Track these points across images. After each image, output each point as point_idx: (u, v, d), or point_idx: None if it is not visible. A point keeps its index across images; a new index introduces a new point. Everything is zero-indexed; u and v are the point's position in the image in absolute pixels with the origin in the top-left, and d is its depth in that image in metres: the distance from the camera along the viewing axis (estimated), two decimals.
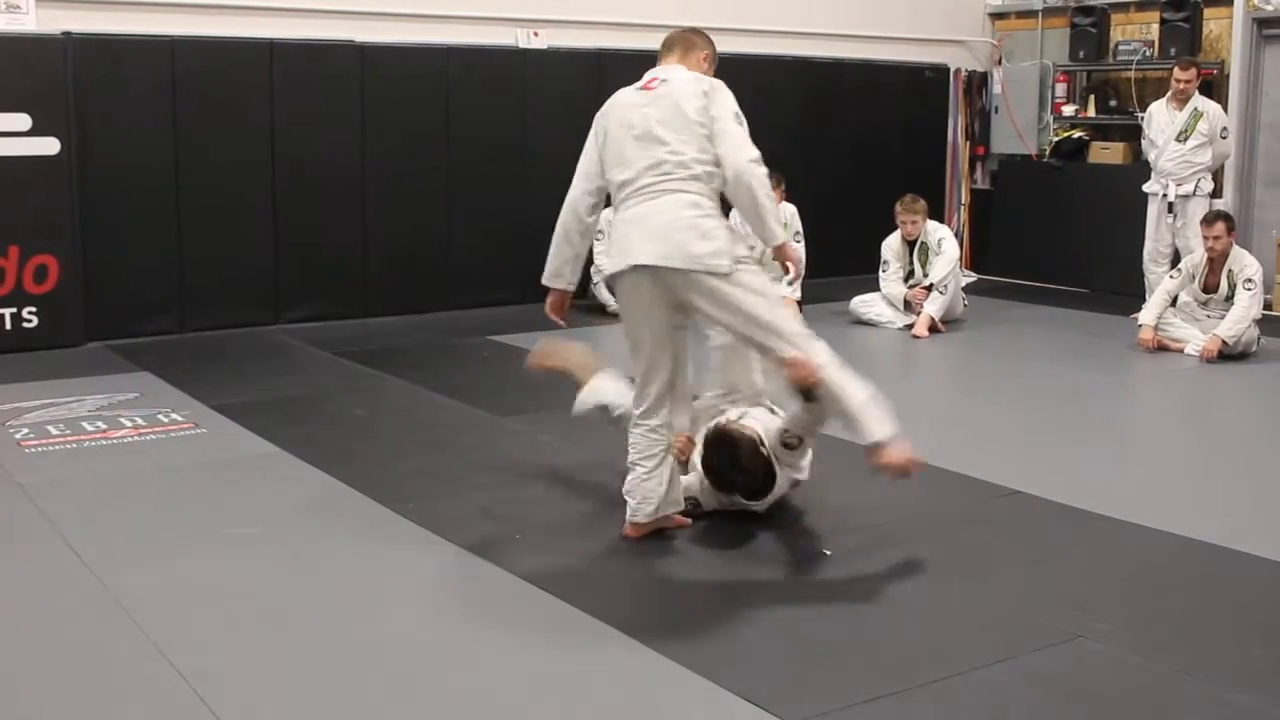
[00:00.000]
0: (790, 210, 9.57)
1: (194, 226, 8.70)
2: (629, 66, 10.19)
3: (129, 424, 6.26)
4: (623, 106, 4.96)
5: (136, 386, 7.06)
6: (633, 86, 5.03)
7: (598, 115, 5.04)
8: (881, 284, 9.19)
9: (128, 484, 5.40)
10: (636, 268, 4.60)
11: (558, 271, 5.16)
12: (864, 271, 9.76)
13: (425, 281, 9.65)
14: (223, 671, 3.62)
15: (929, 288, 9.01)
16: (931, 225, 9.31)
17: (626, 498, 4.69)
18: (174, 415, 6.43)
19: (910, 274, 9.19)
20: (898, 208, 8.93)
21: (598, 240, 7.77)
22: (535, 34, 9.95)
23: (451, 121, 9.63)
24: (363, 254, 9.36)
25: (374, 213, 9.38)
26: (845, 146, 11.35)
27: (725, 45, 10.69)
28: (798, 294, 9.48)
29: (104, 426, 6.21)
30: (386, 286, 9.47)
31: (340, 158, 9.22)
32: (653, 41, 10.97)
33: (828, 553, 4.57)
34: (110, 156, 8.37)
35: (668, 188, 4.64)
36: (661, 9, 10.50)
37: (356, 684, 3.56)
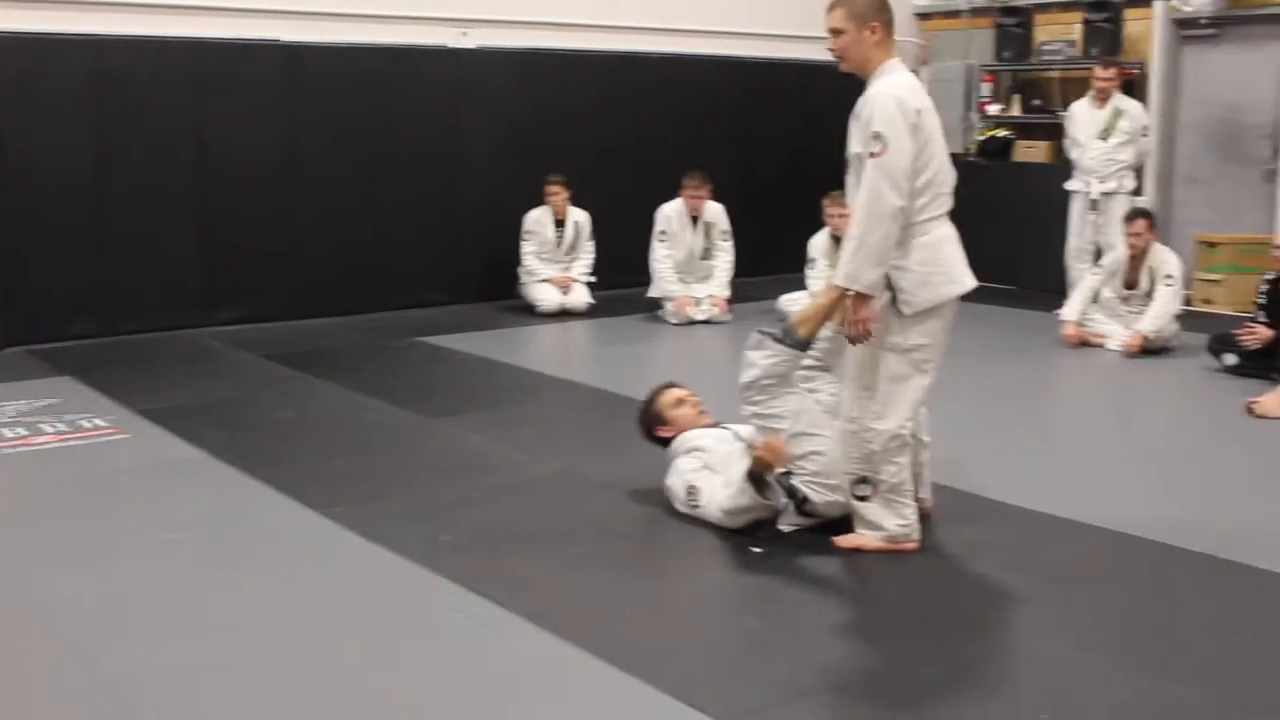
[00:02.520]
0: (718, 210, 9.63)
1: (117, 227, 8.59)
2: (558, 66, 10.29)
3: (50, 430, 6.16)
4: (930, 104, 4.53)
5: (58, 392, 6.95)
6: (910, 75, 4.60)
7: (909, 106, 4.38)
8: (808, 282, 9.23)
9: (50, 490, 5.32)
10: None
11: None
12: (793, 270, 9.82)
13: (355, 283, 9.59)
14: (146, 677, 3.58)
15: None
16: None
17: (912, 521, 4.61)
18: (97, 421, 6.34)
19: None
20: (825, 203, 8.98)
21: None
22: (464, 34, 9.91)
23: (381, 121, 9.58)
24: (292, 255, 9.28)
25: (303, 214, 9.31)
26: (775, 146, 11.40)
27: (656, 45, 10.84)
28: (727, 293, 9.55)
29: (24, 433, 6.11)
30: (316, 288, 9.40)
31: (268, 158, 9.14)
32: (583, 41, 11.02)
33: (757, 550, 4.59)
34: (30, 157, 8.23)
35: None
36: (591, 9, 10.51)
37: (283, 689, 3.54)
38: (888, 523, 4.54)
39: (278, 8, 9.15)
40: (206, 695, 3.50)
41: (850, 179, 4.54)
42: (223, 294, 9.02)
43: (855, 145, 4.48)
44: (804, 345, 4.59)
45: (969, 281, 4.55)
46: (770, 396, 4.60)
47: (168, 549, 4.62)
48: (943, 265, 4.46)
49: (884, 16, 4.51)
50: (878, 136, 4.32)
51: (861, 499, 4.54)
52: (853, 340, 4.43)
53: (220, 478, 5.50)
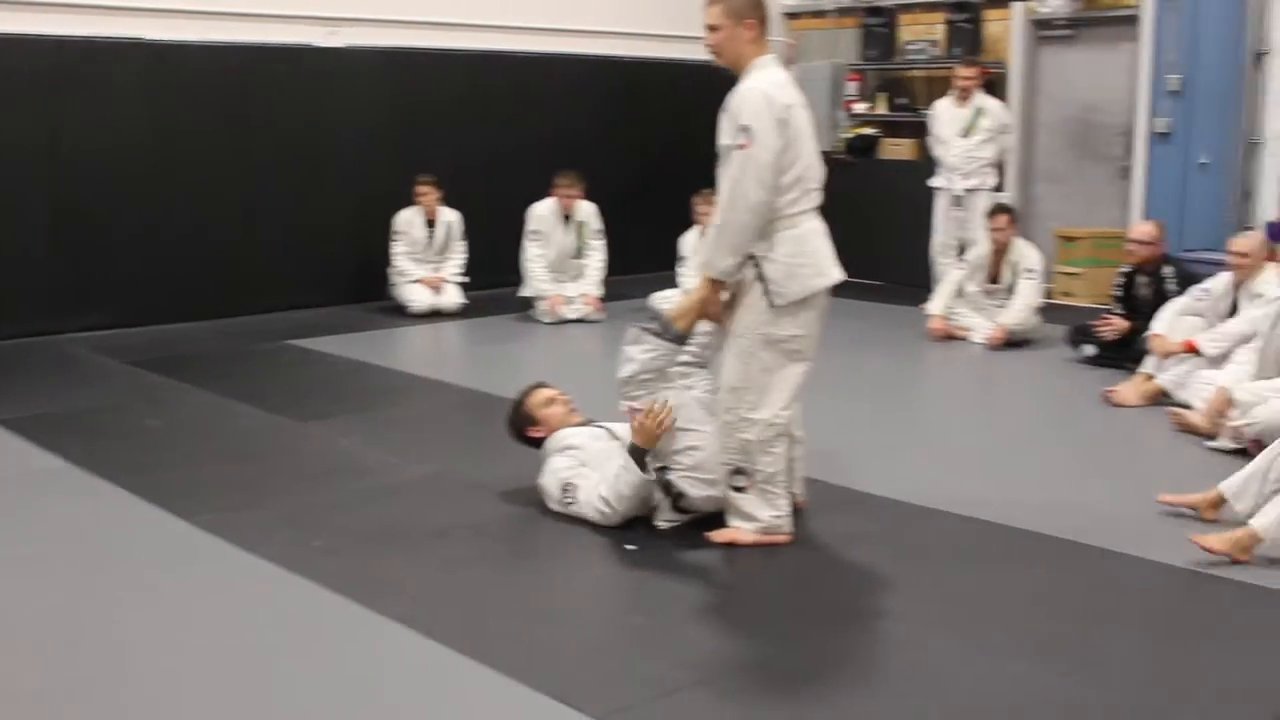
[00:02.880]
0: (590, 209, 9.64)
1: None
2: (426, 64, 10.22)
3: None
4: (800, 100, 4.59)
5: None
6: (782, 72, 4.64)
7: (777, 101, 4.45)
8: (680, 279, 9.30)
9: None
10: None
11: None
12: (664, 268, 9.88)
13: (222, 286, 9.41)
14: (5, 696, 3.49)
15: None
16: None
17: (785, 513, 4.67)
18: None
19: None
20: (695, 201, 9.04)
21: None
22: (332, 32, 9.80)
23: (248, 121, 9.42)
24: (156, 258, 9.08)
25: (167, 216, 9.10)
26: (644, 145, 11.44)
27: (526, 45, 10.81)
28: (599, 291, 9.58)
29: None
30: (182, 292, 9.20)
31: (132, 159, 8.92)
32: (452, 40, 10.93)
33: (632, 548, 4.62)
34: None
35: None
36: (460, 8, 10.46)
37: (150, 702, 3.48)
38: (762, 513, 4.60)
39: (141, 5, 8.95)
40: (67, 713, 3.43)
41: (721, 172, 4.60)
42: (85, 298, 8.80)
43: (724, 138, 4.54)
44: (681, 339, 4.65)
45: (836, 274, 4.64)
46: (648, 391, 4.64)
47: (27, 562, 4.51)
48: (810, 257, 4.54)
49: (760, 14, 4.59)
50: (745, 129, 4.40)
51: (738, 490, 4.60)
52: (709, 319, 4.58)
53: (84, 487, 5.37)
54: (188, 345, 8.48)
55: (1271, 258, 6.92)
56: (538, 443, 5.11)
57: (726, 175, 4.46)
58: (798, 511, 4.81)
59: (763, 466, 4.57)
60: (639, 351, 4.64)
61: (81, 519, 5.01)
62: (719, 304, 4.62)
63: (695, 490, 4.69)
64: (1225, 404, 5.95)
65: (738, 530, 4.63)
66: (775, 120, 4.40)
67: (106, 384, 7.38)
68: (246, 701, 3.49)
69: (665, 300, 9.19)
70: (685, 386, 4.78)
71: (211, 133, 9.25)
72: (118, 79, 8.83)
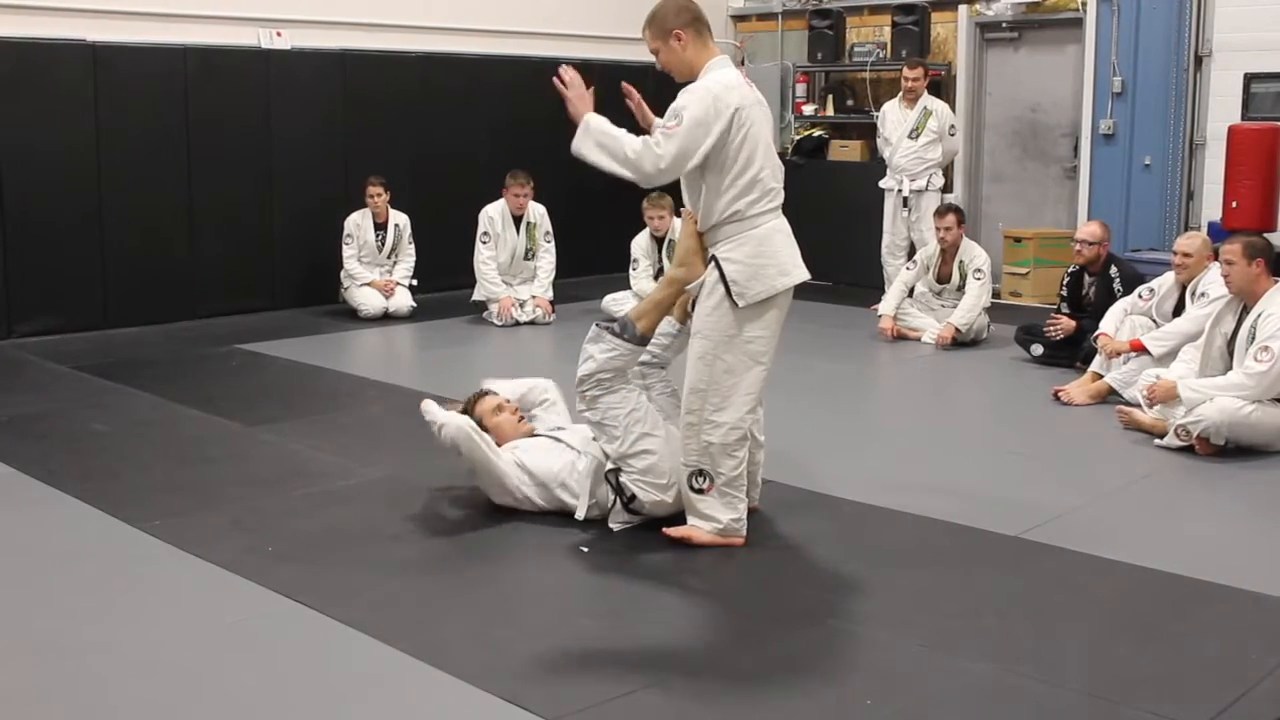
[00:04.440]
0: (540, 211, 9.62)
1: None
2: (373, 67, 10.17)
3: None
4: (753, 102, 4.57)
5: None
6: (735, 73, 4.64)
7: (722, 100, 4.46)
8: (632, 281, 9.30)
9: None
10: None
11: None
12: (615, 270, 9.88)
13: (169, 289, 9.33)
14: None
15: None
16: (679, 222, 9.47)
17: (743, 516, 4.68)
18: None
19: (660, 271, 9.34)
20: (645, 204, 9.06)
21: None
22: (278, 34, 9.73)
23: (192, 123, 9.34)
24: (101, 262, 8.99)
25: (112, 219, 9.01)
26: None
27: (471, 46, 10.79)
28: (550, 294, 9.56)
29: None
30: (127, 296, 9.11)
31: (73, 161, 8.83)
32: (397, 42, 10.89)
33: (585, 550, 4.62)
34: None
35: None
36: (405, 10, 10.42)
37: (99, 710, 3.44)
38: (722, 516, 4.61)
39: (82, 6, 8.85)
40: None
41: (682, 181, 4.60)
42: (27, 303, 8.68)
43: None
44: (642, 340, 4.65)
45: (800, 273, 4.65)
46: (605, 391, 4.64)
47: None
48: (773, 257, 4.54)
49: (684, 20, 4.60)
50: (676, 114, 4.44)
51: (698, 491, 4.60)
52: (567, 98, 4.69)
53: (29, 494, 5.31)
54: (135, 350, 8.39)
55: (1214, 257, 7.01)
56: None
57: (642, 138, 4.49)
58: (752, 513, 4.82)
59: (725, 470, 4.58)
60: (598, 350, 4.63)
61: (29, 526, 4.95)
62: (684, 303, 4.65)
63: (646, 494, 4.69)
64: (1170, 394, 6.02)
65: (694, 529, 4.64)
66: (711, 118, 4.41)
67: (53, 389, 7.29)
68: (199, 707, 3.45)
69: (616, 303, 9.22)
70: (643, 387, 4.79)
71: (157, 135, 9.17)
72: (60, 81, 8.72)
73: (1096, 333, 7.13)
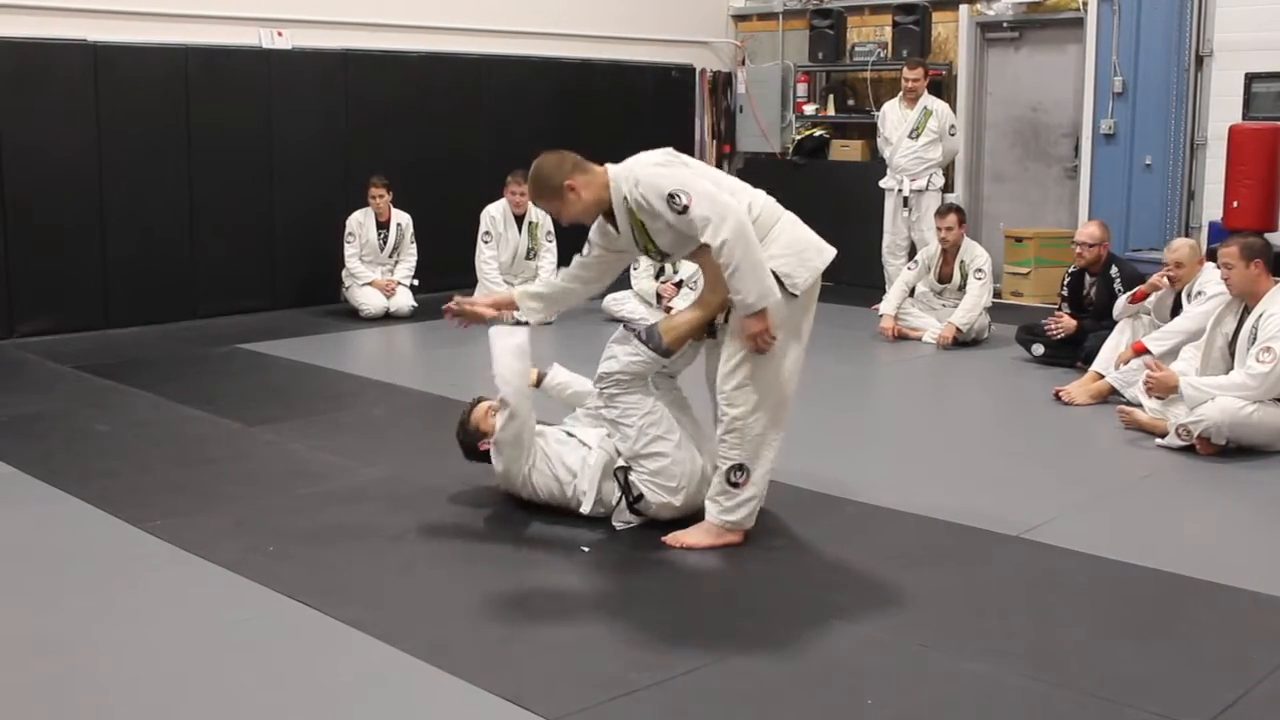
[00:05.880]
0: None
1: None
2: (375, 66, 10.17)
3: None
4: (676, 157, 4.68)
5: None
6: (632, 159, 4.73)
7: (662, 163, 4.57)
8: (633, 281, 9.31)
9: None
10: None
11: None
12: None
13: (170, 289, 9.34)
14: None
15: (679, 284, 9.17)
16: None
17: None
18: None
19: (661, 270, 9.35)
20: None
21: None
22: (279, 34, 9.74)
23: (193, 123, 9.34)
24: (102, 262, 9.00)
25: (113, 219, 9.02)
26: (594, 147, 11.30)
27: (472, 46, 10.79)
28: None
29: None
30: (129, 295, 9.12)
31: (75, 161, 8.83)
32: (398, 42, 10.92)
33: (585, 549, 4.62)
34: None
35: None
36: (406, 10, 10.42)
37: (102, 710, 3.44)
38: (740, 514, 4.63)
39: (84, 6, 8.85)
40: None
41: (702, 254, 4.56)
42: (29, 303, 8.69)
43: (664, 239, 4.53)
44: (665, 353, 4.66)
45: (829, 249, 4.68)
46: (623, 391, 4.66)
47: None
48: (805, 240, 4.61)
49: (566, 169, 4.60)
50: (671, 197, 4.37)
51: (734, 485, 4.61)
52: (761, 351, 4.49)
53: (30, 494, 5.31)
54: (136, 350, 8.40)
55: (1206, 259, 7.02)
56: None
57: (697, 227, 4.35)
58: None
59: (765, 462, 4.64)
60: (623, 352, 4.65)
61: (30, 525, 4.95)
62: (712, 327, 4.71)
63: (655, 496, 4.70)
64: (1169, 387, 6.02)
65: (692, 535, 4.64)
66: (680, 168, 4.50)
67: (54, 389, 7.30)
68: (199, 707, 3.45)
69: (617, 303, 9.22)
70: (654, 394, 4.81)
71: (158, 135, 9.17)
72: (62, 81, 8.73)
73: (1132, 343, 6.99)
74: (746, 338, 4.46)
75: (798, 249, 4.55)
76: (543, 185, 4.64)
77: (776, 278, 4.46)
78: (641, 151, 4.68)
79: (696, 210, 4.33)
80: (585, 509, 4.79)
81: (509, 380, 4.83)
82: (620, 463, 4.73)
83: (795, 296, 4.53)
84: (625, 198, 4.51)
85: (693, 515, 4.72)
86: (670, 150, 4.66)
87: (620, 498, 4.75)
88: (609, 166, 4.64)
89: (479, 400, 5.25)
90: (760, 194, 4.64)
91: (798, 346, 4.65)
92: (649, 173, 4.49)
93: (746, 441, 4.58)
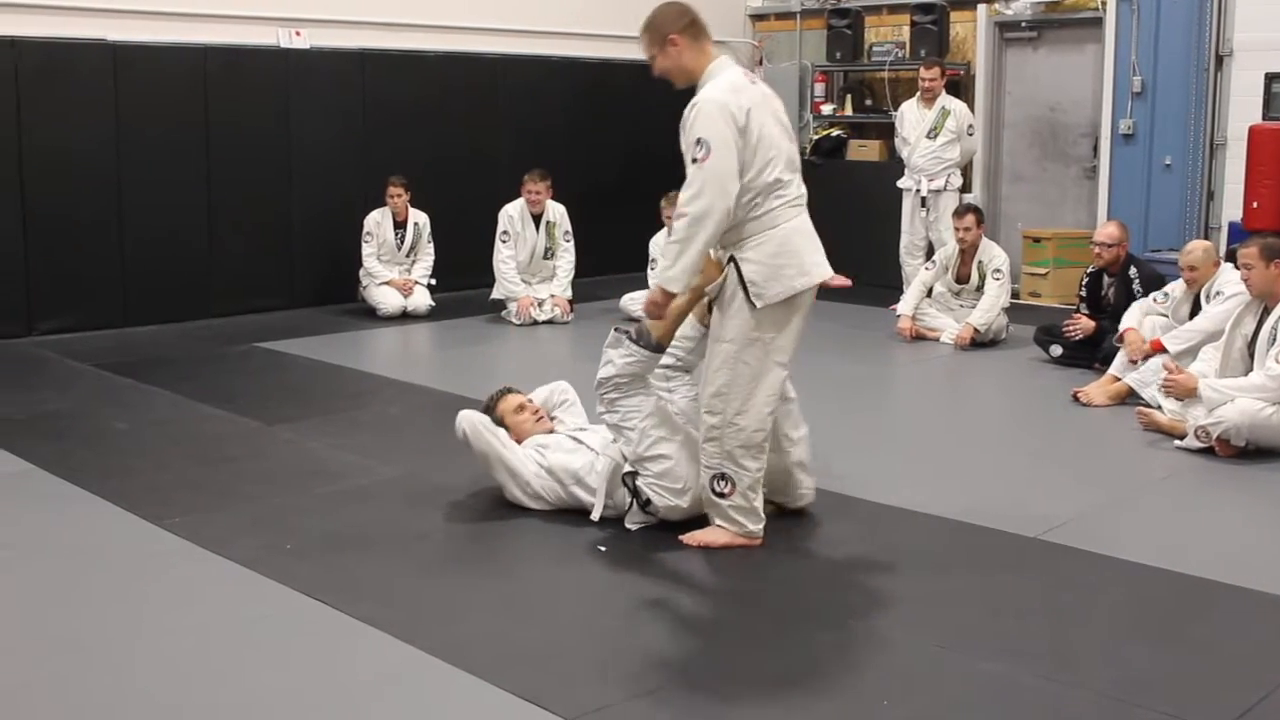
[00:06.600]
0: (560, 210, 9.64)
1: None
2: (393, 66, 10.19)
3: None
4: (761, 99, 4.51)
5: None
6: (738, 72, 4.57)
7: (731, 107, 4.38)
8: (650, 281, 9.26)
9: None
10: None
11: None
12: (634, 269, 9.89)
13: (188, 288, 9.37)
14: None
15: None
16: None
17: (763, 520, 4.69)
18: None
19: None
20: (662, 204, 9.06)
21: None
22: (297, 33, 9.76)
23: (212, 122, 9.37)
24: (121, 260, 9.03)
25: (132, 218, 9.05)
26: (614, 146, 11.44)
27: (490, 46, 10.80)
28: (568, 293, 9.57)
29: None
30: (147, 294, 9.15)
31: (95, 160, 8.87)
32: (416, 41, 10.92)
33: (603, 549, 4.62)
34: None
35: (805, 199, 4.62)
36: (424, 9, 10.43)
37: (123, 705, 3.46)
38: (742, 519, 4.61)
39: (103, 6, 8.88)
40: (42, 716, 3.40)
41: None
42: (50, 301, 8.73)
43: (686, 151, 4.49)
44: (658, 348, 4.65)
45: (820, 273, 4.57)
46: (623, 394, 4.65)
47: None
48: (793, 257, 4.48)
49: (680, 25, 4.55)
50: (699, 142, 4.34)
51: (720, 495, 4.60)
52: (649, 315, 4.52)
53: (50, 491, 5.33)
54: (155, 348, 8.43)
55: (1221, 261, 7.00)
56: None
57: (687, 187, 4.35)
58: (798, 514, 4.88)
59: (749, 473, 4.58)
60: (617, 355, 4.63)
61: (49, 523, 4.97)
62: (703, 307, 4.65)
63: (661, 499, 4.70)
64: (1188, 390, 6.01)
65: (711, 533, 4.64)
66: (734, 129, 4.35)
67: (74, 387, 7.33)
68: (217, 704, 3.47)
69: (634, 302, 9.22)
70: (666, 390, 4.80)
71: (177, 134, 9.20)
72: (81, 81, 8.76)
73: (1122, 328, 7.05)
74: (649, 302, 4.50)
75: (777, 263, 4.45)
76: (652, 28, 4.59)
77: (743, 281, 4.43)
78: (657, 157, 4.63)
79: (698, 171, 4.32)
80: (595, 516, 4.79)
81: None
82: (627, 467, 4.73)
83: (754, 307, 4.45)
84: (694, 100, 4.48)
85: (706, 514, 4.72)
86: (762, 91, 4.56)
87: (630, 502, 4.75)
88: (716, 64, 4.56)
89: (507, 390, 5.27)
90: (794, 184, 4.54)
91: (777, 368, 4.53)
92: (712, 106, 4.39)
93: (725, 452, 4.55)
